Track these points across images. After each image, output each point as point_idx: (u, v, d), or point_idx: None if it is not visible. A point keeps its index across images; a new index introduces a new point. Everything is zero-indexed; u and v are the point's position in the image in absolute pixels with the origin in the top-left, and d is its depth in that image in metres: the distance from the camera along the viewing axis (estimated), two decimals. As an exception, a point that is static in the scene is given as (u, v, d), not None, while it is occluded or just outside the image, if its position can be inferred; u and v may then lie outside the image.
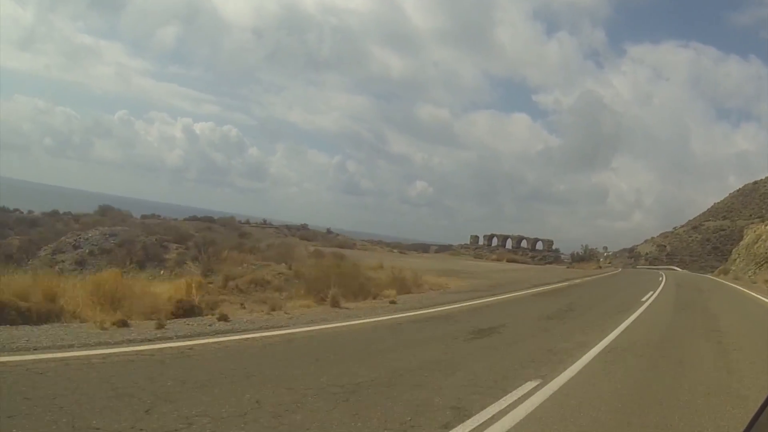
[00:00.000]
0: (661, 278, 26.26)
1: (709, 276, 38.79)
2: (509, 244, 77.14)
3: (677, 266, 58.67)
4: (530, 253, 72.01)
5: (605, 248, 68.97)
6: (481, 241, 79.76)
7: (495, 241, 78.13)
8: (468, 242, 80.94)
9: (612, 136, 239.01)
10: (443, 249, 70.82)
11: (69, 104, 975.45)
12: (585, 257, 62.29)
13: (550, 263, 60.31)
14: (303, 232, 36.96)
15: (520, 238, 76.40)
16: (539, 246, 74.96)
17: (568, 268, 33.29)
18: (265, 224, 37.73)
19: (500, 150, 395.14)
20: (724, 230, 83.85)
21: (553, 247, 75.15)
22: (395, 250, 38.48)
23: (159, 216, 33.49)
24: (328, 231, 40.12)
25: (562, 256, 71.61)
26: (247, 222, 36.93)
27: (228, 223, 33.08)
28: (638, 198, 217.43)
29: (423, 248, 69.65)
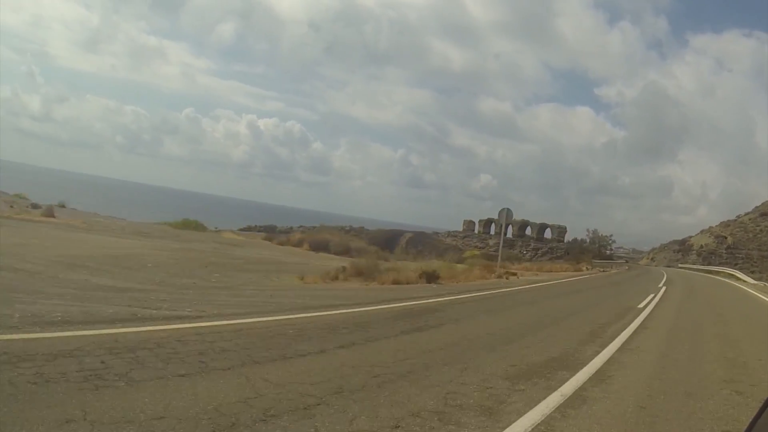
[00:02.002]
0: None
1: None
2: (510, 231, 60.34)
3: (740, 270, 38.28)
4: (532, 244, 55.06)
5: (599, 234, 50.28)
6: (476, 228, 63.63)
7: (493, 228, 61.61)
8: (461, 229, 65.03)
9: (677, 128, 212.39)
10: (419, 236, 55.38)
11: (138, 103, 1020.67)
12: (588, 249, 44.53)
13: (557, 258, 43.67)
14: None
15: (524, 225, 59.32)
16: (548, 234, 57.65)
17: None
18: None
19: (564, 143, 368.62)
20: (810, 217, 62.91)
21: (567, 236, 57.49)
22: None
23: None
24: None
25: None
26: None
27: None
28: (703, 192, 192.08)
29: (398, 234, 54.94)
